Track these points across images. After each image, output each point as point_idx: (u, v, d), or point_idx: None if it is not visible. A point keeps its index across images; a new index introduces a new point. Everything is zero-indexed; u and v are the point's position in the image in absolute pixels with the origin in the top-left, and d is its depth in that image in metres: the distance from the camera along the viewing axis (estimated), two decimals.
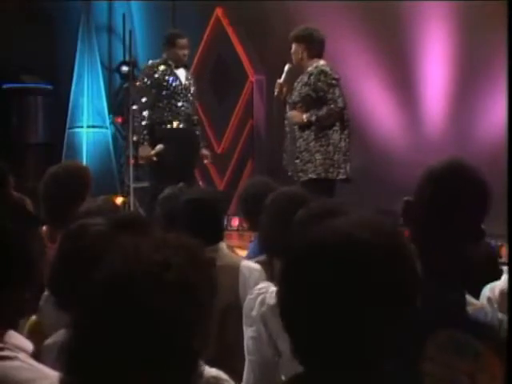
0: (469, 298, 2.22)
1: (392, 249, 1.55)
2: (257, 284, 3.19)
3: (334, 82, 6.42)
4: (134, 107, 7.60)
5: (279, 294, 1.59)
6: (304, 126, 6.47)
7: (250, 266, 3.56)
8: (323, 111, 6.39)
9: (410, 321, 1.55)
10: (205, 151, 7.77)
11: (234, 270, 3.51)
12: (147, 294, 1.42)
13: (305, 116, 6.44)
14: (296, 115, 6.50)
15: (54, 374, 1.78)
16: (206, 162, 8.09)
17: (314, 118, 6.40)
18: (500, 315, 2.15)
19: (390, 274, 1.52)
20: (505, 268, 3.36)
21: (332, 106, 6.39)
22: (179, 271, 1.45)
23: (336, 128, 6.45)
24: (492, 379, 1.93)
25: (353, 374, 1.51)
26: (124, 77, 10.48)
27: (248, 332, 2.98)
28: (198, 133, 7.66)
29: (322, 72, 6.44)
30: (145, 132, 7.35)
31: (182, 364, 1.43)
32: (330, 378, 1.52)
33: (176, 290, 1.43)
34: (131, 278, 1.44)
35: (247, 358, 3.00)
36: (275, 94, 6.72)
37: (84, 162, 8.71)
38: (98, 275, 1.48)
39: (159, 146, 7.30)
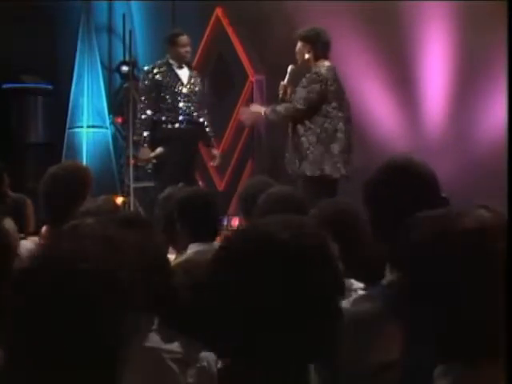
0: None
1: (311, 249, 1.56)
2: None
3: (319, 84, 6.37)
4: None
5: (205, 290, 1.62)
6: (300, 126, 6.45)
7: None
8: (281, 107, 6.43)
9: (333, 322, 1.56)
10: (215, 151, 7.82)
11: None
12: (60, 284, 1.41)
13: (264, 109, 6.52)
14: (257, 107, 6.58)
15: None
16: (212, 163, 8.12)
17: (268, 111, 6.46)
18: None
19: (309, 273, 1.53)
20: None
21: (291, 104, 6.39)
22: (97, 261, 1.44)
23: (334, 127, 6.44)
24: None
25: (264, 373, 1.53)
26: (124, 77, 10.47)
27: None
28: (207, 129, 7.70)
29: (316, 73, 6.43)
30: (145, 134, 7.38)
31: (92, 352, 1.41)
32: (240, 375, 1.54)
33: (92, 279, 1.42)
34: (44, 268, 1.44)
35: None
36: (279, 95, 6.70)
37: (84, 162, 8.71)
38: (18, 268, 1.50)
39: (159, 149, 7.34)
